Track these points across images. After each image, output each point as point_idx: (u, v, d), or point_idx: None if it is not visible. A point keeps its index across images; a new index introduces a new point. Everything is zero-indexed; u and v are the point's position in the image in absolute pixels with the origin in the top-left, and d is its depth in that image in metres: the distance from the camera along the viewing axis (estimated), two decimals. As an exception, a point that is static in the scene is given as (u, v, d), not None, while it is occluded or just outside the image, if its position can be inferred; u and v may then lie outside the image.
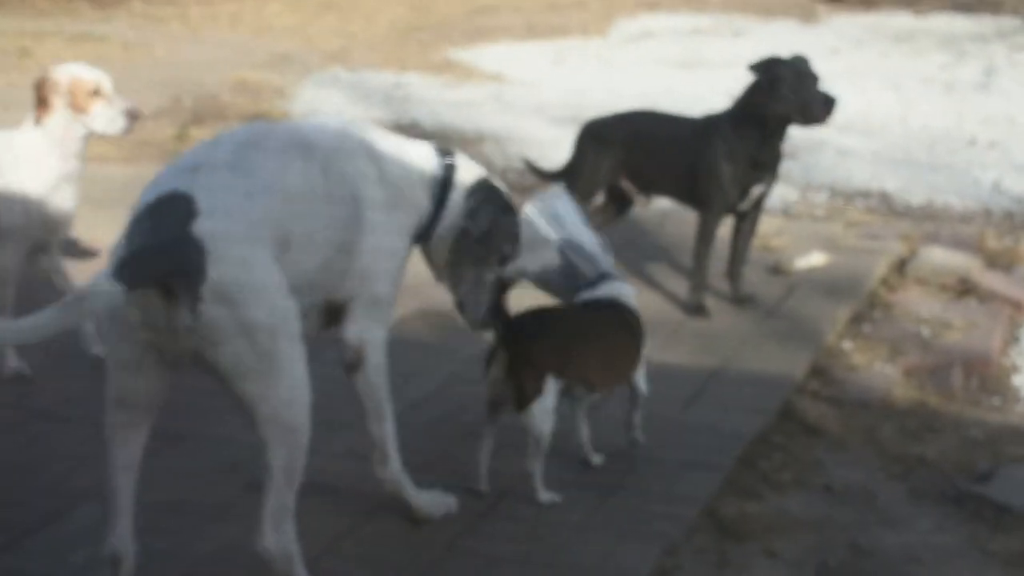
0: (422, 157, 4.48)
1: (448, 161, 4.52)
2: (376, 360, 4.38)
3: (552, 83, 12.71)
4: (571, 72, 13.34)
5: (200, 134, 10.23)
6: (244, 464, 4.67)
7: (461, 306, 4.60)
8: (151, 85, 12.25)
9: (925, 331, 6.58)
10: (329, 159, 4.13)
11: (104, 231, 7.55)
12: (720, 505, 4.73)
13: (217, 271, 3.61)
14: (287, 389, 3.78)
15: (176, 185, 3.77)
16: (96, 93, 5.76)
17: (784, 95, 6.25)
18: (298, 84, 12.39)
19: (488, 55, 14.19)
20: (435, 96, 11.85)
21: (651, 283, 7.00)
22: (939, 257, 7.50)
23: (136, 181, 8.75)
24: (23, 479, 4.82)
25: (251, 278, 3.67)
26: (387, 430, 4.44)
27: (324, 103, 11.53)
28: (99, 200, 8.39)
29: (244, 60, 13.53)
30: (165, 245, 3.62)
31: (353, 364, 4.36)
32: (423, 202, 4.44)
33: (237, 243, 3.67)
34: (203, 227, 3.64)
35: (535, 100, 11.80)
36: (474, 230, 4.50)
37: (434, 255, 4.58)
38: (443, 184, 4.48)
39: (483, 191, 4.54)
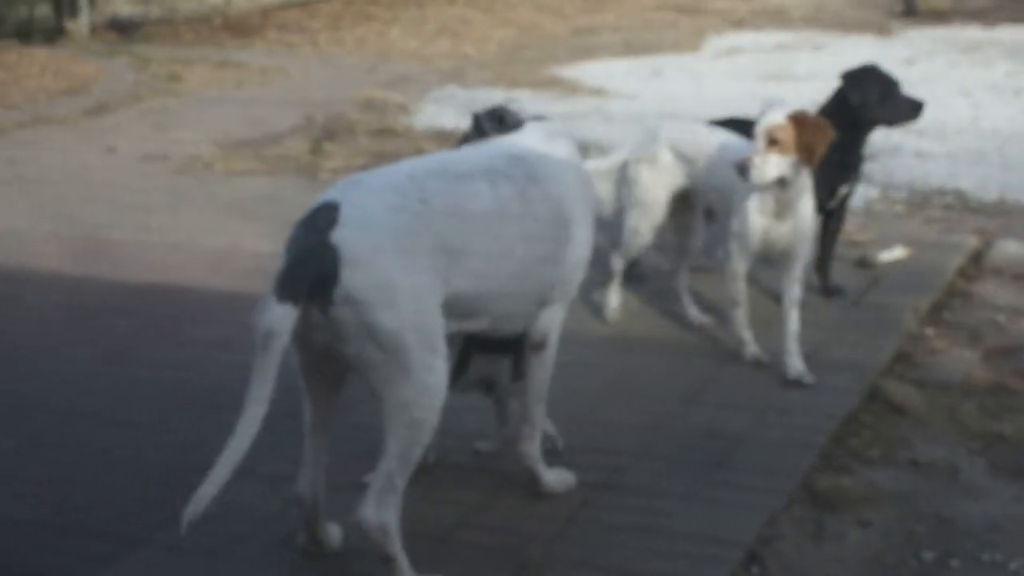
0: None
1: None
2: (555, 341, 4.43)
3: (649, 96, 12.65)
4: (667, 85, 13.27)
5: (332, 148, 10.31)
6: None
7: None
8: (286, 105, 12.35)
9: (1001, 318, 6.49)
10: (529, 178, 4.17)
11: (249, 237, 7.66)
12: (815, 479, 4.69)
13: (349, 276, 3.61)
14: (414, 390, 3.76)
15: (331, 197, 3.80)
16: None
17: (873, 101, 6.21)
18: (419, 101, 12.43)
19: (590, 71, 14.15)
20: (543, 110, 11.78)
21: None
22: (1012, 249, 7.39)
23: (276, 192, 8.96)
24: (183, 460, 4.86)
25: (381, 285, 3.65)
26: (542, 411, 4.47)
27: (443, 118, 11.55)
28: (245, 209, 8.51)
29: (369, 80, 13.59)
30: (307, 253, 3.65)
31: (539, 344, 4.40)
32: None
33: (373, 252, 3.66)
34: (340, 235, 3.65)
35: (634, 112, 11.74)
36: None
37: None
38: None
39: None
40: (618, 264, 6.27)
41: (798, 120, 5.32)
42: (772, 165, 5.30)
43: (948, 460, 4.95)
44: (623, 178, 6.22)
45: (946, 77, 13.34)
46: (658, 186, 6.04)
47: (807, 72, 13.32)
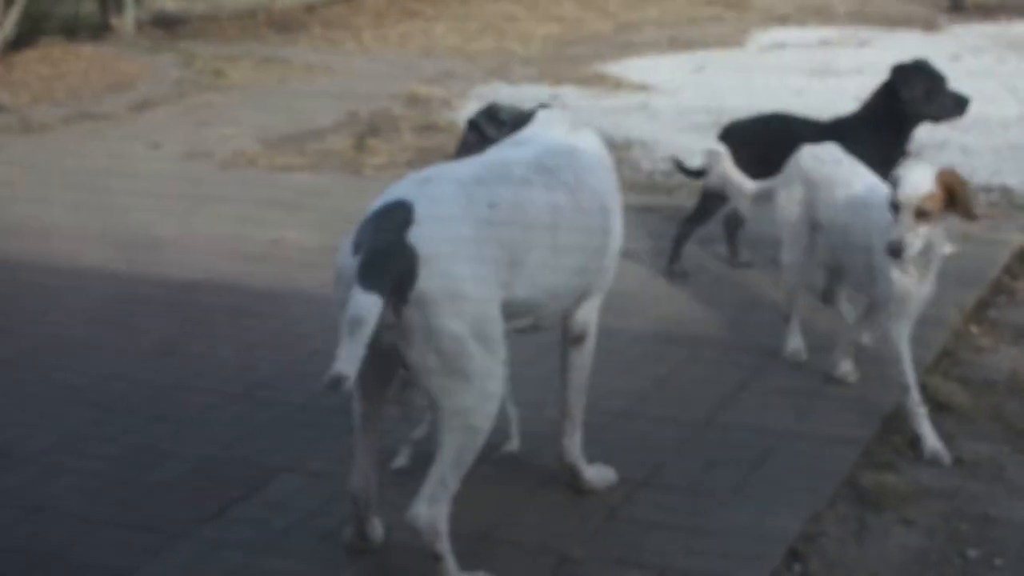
0: None
1: None
2: (594, 335, 4.44)
3: (693, 92, 12.62)
4: (711, 81, 13.23)
5: (376, 144, 10.32)
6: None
7: None
8: (330, 101, 12.38)
9: (1047, 315, 6.45)
10: (577, 180, 4.17)
11: (293, 233, 7.69)
12: (859, 476, 4.67)
13: (426, 278, 3.60)
14: (471, 397, 3.75)
15: (402, 194, 3.77)
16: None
17: (920, 96, 6.19)
18: (463, 97, 12.42)
19: (634, 67, 14.12)
20: (588, 106, 11.82)
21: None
22: (1059, 247, 7.33)
23: (319, 187, 8.99)
24: (226, 455, 4.89)
25: (454, 289, 3.64)
26: (583, 404, 4.47)
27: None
28: (287, 203, 8.54)
29: (413, 76, 13.60)
30: (387, 250, 3.62)
31: (579, 338, 4.40)
32: None
33: (448, 256, 3.65)
34: (417, 235, 3.63)
35: (678, 108, 11.72)
36: None
37: None
38: None
39: None
40: (787, 304, 5.85)
41: (949, 183, 4.82)
42: (922, 239, 4.81)
43: (993, 458, 4.91)
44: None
45: (993, 73, 13.23)
46: (791, 211, 5.69)
47: (852, 68, 13.24)
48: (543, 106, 4.61)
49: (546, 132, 4.38)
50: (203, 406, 5.32)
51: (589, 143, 4.42)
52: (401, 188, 3.83)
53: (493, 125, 4.59)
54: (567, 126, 4.44)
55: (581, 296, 4.31)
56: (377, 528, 4.14)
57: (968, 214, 4.92)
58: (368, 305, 3.52)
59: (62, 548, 4.24)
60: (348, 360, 3.51)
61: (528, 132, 4.41)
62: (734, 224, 7.14)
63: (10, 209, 8.64)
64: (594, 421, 4.66)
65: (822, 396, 5.35)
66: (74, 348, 6.02)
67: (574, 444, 4.48)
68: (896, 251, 4.80)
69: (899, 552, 4.25)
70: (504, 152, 4.27)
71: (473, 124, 4.65)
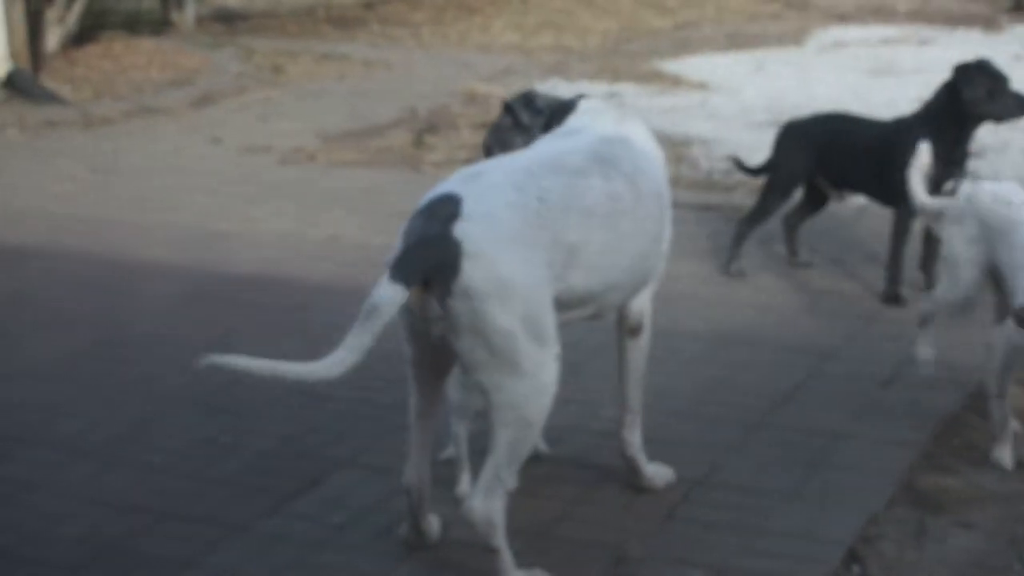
0: None
1: None
2: (649, 325, 4.44)
3: (753, 90, 12.58)
4: (770, 80, 13.19)
5: (434, 141, 10.35)
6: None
7: None
8: (389, 97, 12.43)
9: (1109, 318, 6.37)
10: (635, 169, 4.15)
11: (352, 229, 7.72)
12: (918, 479, 4.64)
13: (469, 270, 3.59)
14: (523, 388, 3.73)
15: (452, 188, 3.77)
16: None
17: (983, 97, 6.16)
18: (521, 94, 12.45)
19: (693, 65, 14.10)
20: (646, 103, 11.81)
21: (849, 273, 6.90)
22: (1122, 249, 7.22)
23: (377, 183, 9.02)
24: (285, 449, 4.92)
25: (500, 281, 3.62)
26: (641, 396, 4.47)
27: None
28: (346, 199, 8.58)
29: (472, 74, 13.64)
30: (429, 242, 3.64)
31: (636, 329, 4.40)
32: None
33: (494, 248, 3.63)
34: (462, 228, 3.62)
35: (737, 106, 11.70)
36: None
37: None
38: None
39: None
40: (927, 306, 5.46)
41: None
42: None
43: (1054, 462, 4.88)
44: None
45: (1055, 73, 13.13)
46: (959, 250, 5.18)
47: (912, 67, 13.18)
48: (582, 96, 4.58)
49: (596, 122, 4.33)
50: (263, 400, 5.35)
51: (640, 133, 4.39)
52: (451, 183, 3.83)
53: (528, 111, 4.55)
54: (614, 116, 4.41)
55: (638, 285, 4.31)
56: (433, 524, 4.16)
57: None
58: (389, 295, 3.56)
59: (122, 540, 4.27)
60: (351, 348, 3.64)
61: (577, 122, 4.35)
62: (793, 223, 7.12)
63: (71, 203, 8.72)
64: (651, 420, 4.65)
65: (879, 399, 5.33)
66: (135, 341, 6.07)
67: (635, 437, 4.48)
68: None
69: (958, 555, 4.22)
70: (556, 144, 4.23)
71: (508, 107, 4.62)
